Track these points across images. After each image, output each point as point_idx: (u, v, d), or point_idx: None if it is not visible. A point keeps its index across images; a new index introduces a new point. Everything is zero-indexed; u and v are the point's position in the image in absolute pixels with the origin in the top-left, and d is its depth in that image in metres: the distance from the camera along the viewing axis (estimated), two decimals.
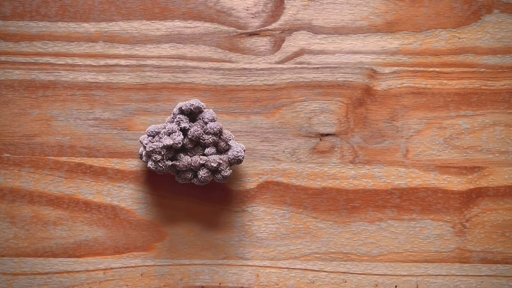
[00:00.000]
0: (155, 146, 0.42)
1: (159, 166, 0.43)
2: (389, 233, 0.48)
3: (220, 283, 0.48)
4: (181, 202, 0.48)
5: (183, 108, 0.44)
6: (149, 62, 0.48)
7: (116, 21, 0.48)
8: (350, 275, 0.48)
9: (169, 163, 0.43)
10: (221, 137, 0.44)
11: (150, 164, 0.43)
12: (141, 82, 0.48)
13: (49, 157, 0.48)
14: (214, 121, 0.44)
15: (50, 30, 0.48)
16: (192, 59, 0.48)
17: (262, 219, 0.48)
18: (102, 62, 0.48)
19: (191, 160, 0.43)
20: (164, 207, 0.48)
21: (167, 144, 0.42)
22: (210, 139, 0.43)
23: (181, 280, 0.48)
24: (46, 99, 0.48)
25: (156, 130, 0.44)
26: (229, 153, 0.44)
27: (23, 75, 0.48)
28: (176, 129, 0.43)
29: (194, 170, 0.44)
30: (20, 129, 0.48)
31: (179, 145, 0.43)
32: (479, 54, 0.49)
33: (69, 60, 0.48)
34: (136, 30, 0.48)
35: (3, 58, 0.48)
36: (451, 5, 0.49)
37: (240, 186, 0.48)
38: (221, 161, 0.43)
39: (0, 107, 0.48)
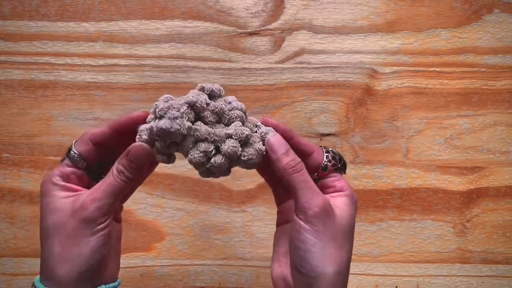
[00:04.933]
0: (173, 102, 0.32)
1: (176, 124, 0.31)
2: (390, 233, 0.48)
3: (220, 283, 0.48)
4: (181, 202, 0.48)
5: (204, 87, 0.34)
6: (148, 62, 0.48)
7: (115, 20, 0.48)
8: (350, 275, 0.48)
9: (189, 123, 0.32)
10: (247, 118, 0.35)
11: (164, 124, 0.31)
12: (141, 82, 0.48)
13: (49, 157, 0.48)
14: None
15: (49, 30, 0.48)
16: (192, 59, 0.48)
17: (262, 219, 0.48)
18: (101, 62, 0.48)
19: (215, 130, 0.33)
20: (164, 207, 0.48)
21: (190, 101, 0.32)
22: (237, 112, 0.34)
23: (181, 280, 0.48)
24: (45, 99, 0.48)
25: (171, 98, 0.33)
26: (260, 129, 0.35)
27: (22, 75, 0.48)
28: (200, 97, 0.33)
29: (215, 143, 0.33)
30: (19, 129, 0.48)
31: (205, 105, 0.33)
32: (480, 53, 0.49)
33: (69, 60, 0.48)
34: (136, 29, 0.48)
35: (2, 58, 0.48)
36: (452, 4, 0.49)
37: (240, 186, 0.48)
38: (251, 132, 0.34)
39: (0, 107, 0.48)
